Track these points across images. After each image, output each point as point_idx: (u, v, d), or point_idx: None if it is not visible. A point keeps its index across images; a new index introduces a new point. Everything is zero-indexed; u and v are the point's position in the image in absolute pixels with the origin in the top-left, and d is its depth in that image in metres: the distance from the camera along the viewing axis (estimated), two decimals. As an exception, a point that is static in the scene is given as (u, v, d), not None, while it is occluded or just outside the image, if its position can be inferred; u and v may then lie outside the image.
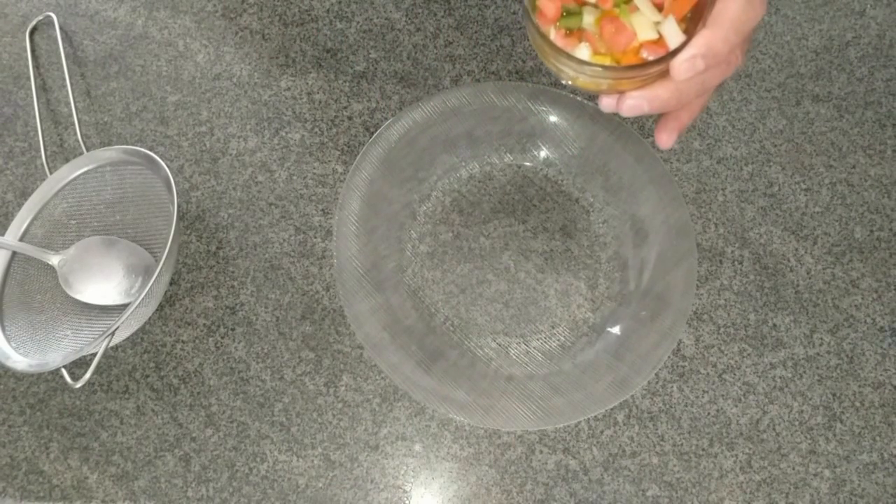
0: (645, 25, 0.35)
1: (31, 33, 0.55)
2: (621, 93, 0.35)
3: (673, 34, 0.34)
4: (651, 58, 0.34)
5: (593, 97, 0.53)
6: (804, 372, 0.47)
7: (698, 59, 0.32)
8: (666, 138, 0.38)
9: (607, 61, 0.35)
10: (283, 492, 0.45)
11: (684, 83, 0.34)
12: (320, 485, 0.45)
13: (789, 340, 0.48)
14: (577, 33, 0.36)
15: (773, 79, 0.54)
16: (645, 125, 0.53)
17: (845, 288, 0.49)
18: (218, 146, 0.52)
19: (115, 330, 0.42)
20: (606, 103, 0.36)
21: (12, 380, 0.47)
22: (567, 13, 0.36)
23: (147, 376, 0.47)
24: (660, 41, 0.35)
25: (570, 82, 0.36)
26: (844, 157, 0.52)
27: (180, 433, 0.46)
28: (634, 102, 0.34)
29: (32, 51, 0.55)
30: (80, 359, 0.44)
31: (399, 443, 0.46)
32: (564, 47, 0.35)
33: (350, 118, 0.53)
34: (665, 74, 0.34)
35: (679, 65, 0.32)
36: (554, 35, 0.36)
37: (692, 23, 0.35)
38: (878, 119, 0.53)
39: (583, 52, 0.35)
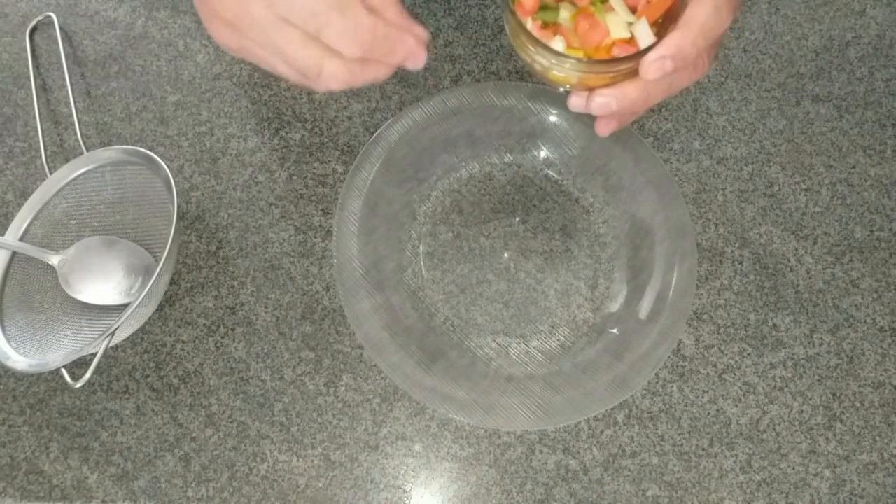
0: (618, 24, 0.36)
1: (31, 33, 0.55)
2: (590, 90, 0.36)
3: (644, 35, 0.36)
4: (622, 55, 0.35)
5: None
6: (804, 372, 0.47)
7: (667, 60, 0.33)
8: (604, 127, 0.38)
9: (580, 55, 0.36)
10: (283, 492, 0.45)
11: (652, 83, 0.35)
12: (320, 485, 0.45)
13: (789, 340, 0.48)
14: (552, 27, 0.37)
15: (773, 79, 0.54)
16: (645, 125, 0.53)
17: (845, 288, 0.49)
18: (218, 146, 0.52)
19: (115, 330, 0.42)
20: (575, 102, 0.37)
21: (12, 380, 0.47)
22: (544, 7, 0.37)
23: (147, 376, 0.47)
24: (632, 41, 0.36)
25: (540, 74, 0.37)
26: (844, 157, 0.52)
27: (180, 433, 0.46)
28: (603, 100, 0.36)
29: (32, 51, 0.55)
30: (80, 359, 0.44)
31: (399, 443, 0.46)
32: (540, 38, 0.36)
33: (350, 118, 0.53)
34: (634, 74, 0.35)
35: (648, 65, 0.33)
36: (530, 25, 0.37)
37: (663, 28, 0.36)
38: (878, 119, 0.53)
39: (557, 44, 0.36)
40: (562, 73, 0.36)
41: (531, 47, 0.35)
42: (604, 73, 0.35)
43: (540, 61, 0.36)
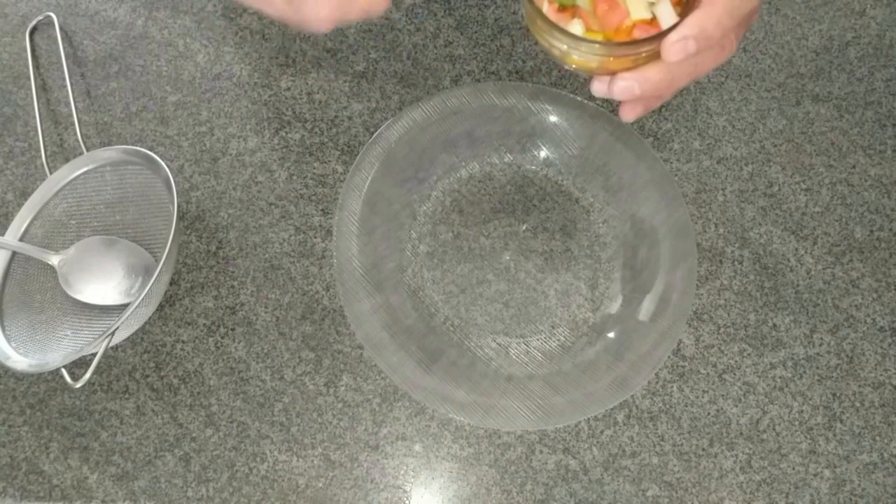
0: (639, 5, 0.35)
1: (31, 33, 0.55)
2: (612, 73, 0.35)
3: (666, 15, 0.34)
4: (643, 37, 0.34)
5: (593, 97, 0.53)
6: (804, 372, 0.47)
7: (690, 40, 0.32)
8: (629, 112, 0.37)
9: (599, 39, 0.35)
10: (283, 492, 0.45)
11: (676, 66, 0.33)
12: (320, 485, 0.45)
13: (789, 340, 0.48)
14: (570, 10, 0.36)
15: (773, 79, 0.54)
16: (645, 125, 0.53)
17: (845, 288, 0.49)
18: (218, 146, 0.52)
19: (115, 330, 0.42)
20: (597, 87, 0.35)
21: (12, 380, 0.47)
22: None
23: (147, 376, 0.47)
24: (653, 22, 0.35)
25: (559, 60, 0.36)
26: (844, 157, 0.52)
27: (180, 433, 0.46)
28: (626, 84, 0.34)
29: (32, 51, 0.55)
30: (80, 359, 0.44)
31: (399, 443, 0.46)
32: (557, 22, 0.35)
33: (350, 118, 0.53)
34: (657, 57, 0.33)
35: (670, 45, 0.32)
36: (547, 9, 0.36)
37: (687, 8, 0.34)
38: (878, 119, 0.53)
39: (576, 28, 0.35)
40: (581, 57, 0.34)
41: (548, 32, 0.34)
42: (625, 57, 0.34)
43: (558, 46, 0.35)
